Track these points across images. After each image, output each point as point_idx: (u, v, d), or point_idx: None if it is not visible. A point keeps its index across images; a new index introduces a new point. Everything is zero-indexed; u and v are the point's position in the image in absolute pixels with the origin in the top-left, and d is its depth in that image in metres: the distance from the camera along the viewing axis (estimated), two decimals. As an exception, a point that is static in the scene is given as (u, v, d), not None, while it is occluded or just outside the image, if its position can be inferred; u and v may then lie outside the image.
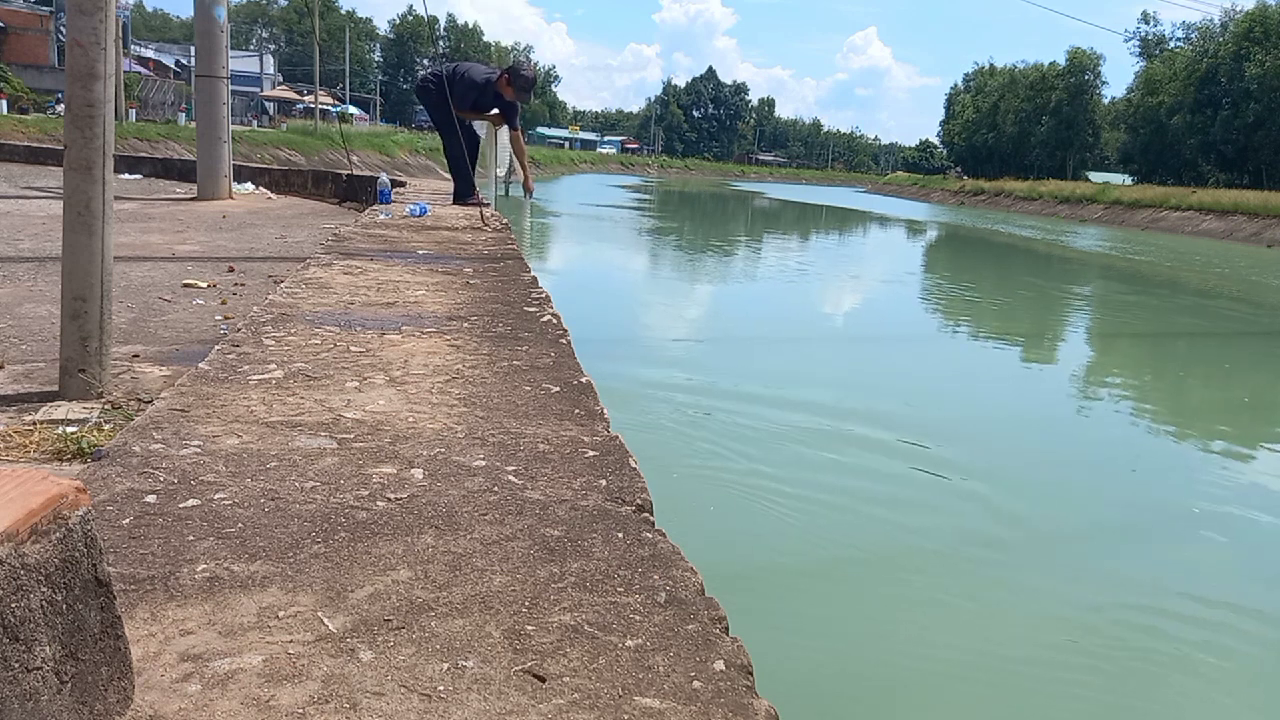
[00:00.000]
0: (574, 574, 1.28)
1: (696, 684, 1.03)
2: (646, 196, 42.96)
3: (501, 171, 7.93)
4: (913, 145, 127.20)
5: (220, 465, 1.60)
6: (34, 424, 2.05)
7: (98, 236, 2.30)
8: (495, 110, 7.52)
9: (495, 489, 1.57)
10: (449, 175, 8.16)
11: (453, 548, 1.34)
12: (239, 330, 2.69)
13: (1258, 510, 4.66)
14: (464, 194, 7.71)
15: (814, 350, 8.39)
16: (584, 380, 2.33)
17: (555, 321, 3.07)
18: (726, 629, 1.17)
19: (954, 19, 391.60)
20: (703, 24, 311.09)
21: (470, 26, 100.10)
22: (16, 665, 0.77)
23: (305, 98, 52.32)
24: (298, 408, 1.96)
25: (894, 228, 33.17)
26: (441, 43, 70.08)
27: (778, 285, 13.68)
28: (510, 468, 1.68)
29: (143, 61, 43.04)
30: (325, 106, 41.24)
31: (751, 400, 5.82)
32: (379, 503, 1.48)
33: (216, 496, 1.47)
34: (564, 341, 2.77)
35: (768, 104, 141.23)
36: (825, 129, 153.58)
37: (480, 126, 7.68)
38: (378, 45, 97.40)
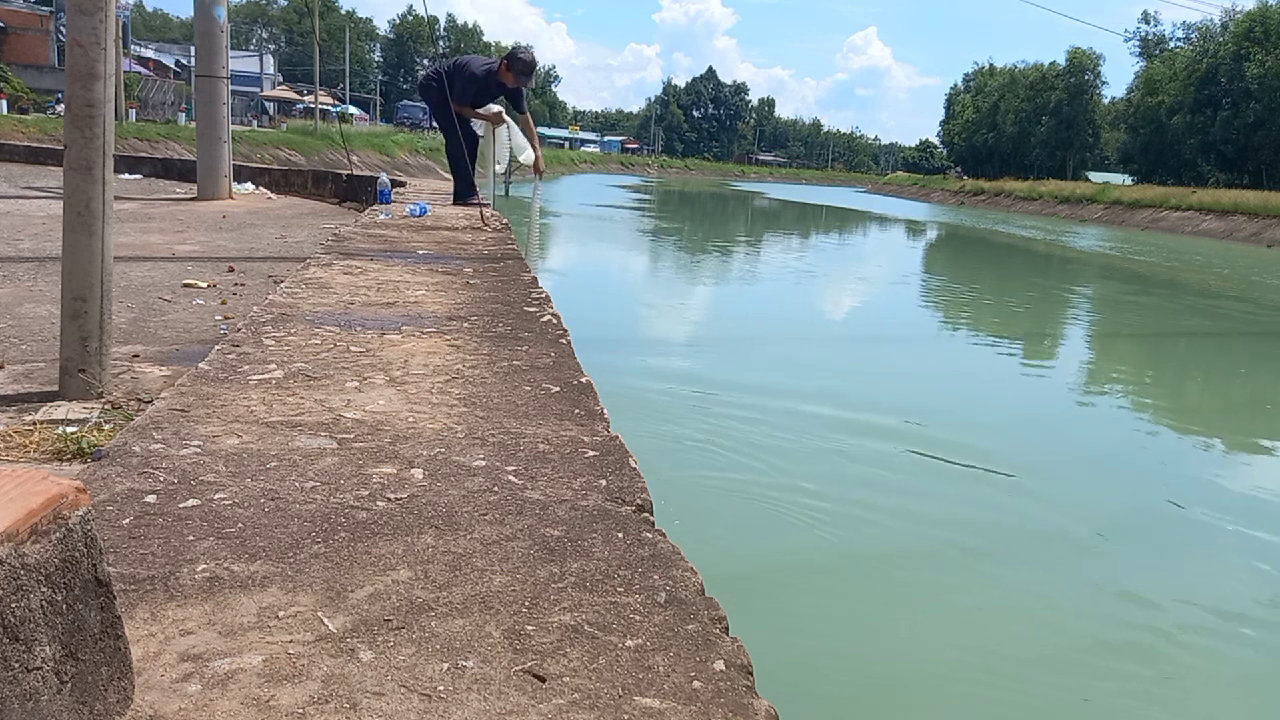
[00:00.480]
0: (574, 574, 1.28)
1: (696, 684, 1.03)
2: (646, 197, 42.95)
3: (500, 169, 7.90)
4: (913, 145, 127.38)
5: (220, 465, 1.60)
6: (34, 424, 2.05)
7: (98, 236, 2.30)
8: (497, 108, 7.50)
9: (495, 489, 1.57)
10: (450, 175, 8.15)
11: (453, 548, 1.33)
12: (239, 330, 2.69)
13: (1258, 510, 4.67)
14: (464, 194, 7.71)
15: (814, 350, 8.39)
16: (584, 380, 2.33)
17: (555, 321, 3.07)
18: (726, 629, 1.17)
19: (954, 19, 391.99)
20: (703, 24, 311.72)
21: (470, 26, 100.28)
22: (16, 665, 0.77)
23: (305, 98, 52.30)
24: (298, 408, 1.95)
25: (894, 228, 33.16)
26: (441, 43, 70.23)
27: (778, 285, 13.68)
28: (510, 468, 1.68)
29: (143, 61, 43.02)
30: (325, 106, 41.23)
31: (752, 400, 5.82)
32: (379, 503, 1.48)
33: (216, 496, 1.47)
34: (564, 341, 2.77)
35: (768, 104, 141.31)
36: (825, 129, 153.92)
37: (480, 126, 7.66)
38: (378, 45, 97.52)
